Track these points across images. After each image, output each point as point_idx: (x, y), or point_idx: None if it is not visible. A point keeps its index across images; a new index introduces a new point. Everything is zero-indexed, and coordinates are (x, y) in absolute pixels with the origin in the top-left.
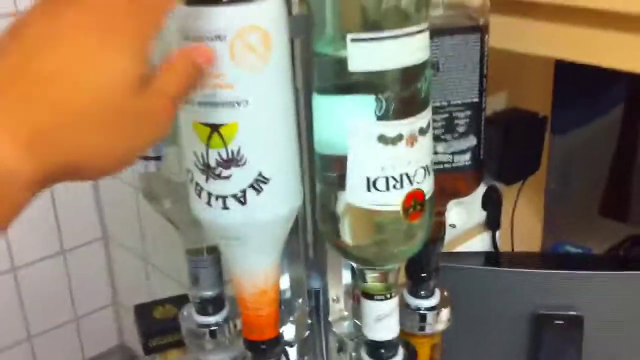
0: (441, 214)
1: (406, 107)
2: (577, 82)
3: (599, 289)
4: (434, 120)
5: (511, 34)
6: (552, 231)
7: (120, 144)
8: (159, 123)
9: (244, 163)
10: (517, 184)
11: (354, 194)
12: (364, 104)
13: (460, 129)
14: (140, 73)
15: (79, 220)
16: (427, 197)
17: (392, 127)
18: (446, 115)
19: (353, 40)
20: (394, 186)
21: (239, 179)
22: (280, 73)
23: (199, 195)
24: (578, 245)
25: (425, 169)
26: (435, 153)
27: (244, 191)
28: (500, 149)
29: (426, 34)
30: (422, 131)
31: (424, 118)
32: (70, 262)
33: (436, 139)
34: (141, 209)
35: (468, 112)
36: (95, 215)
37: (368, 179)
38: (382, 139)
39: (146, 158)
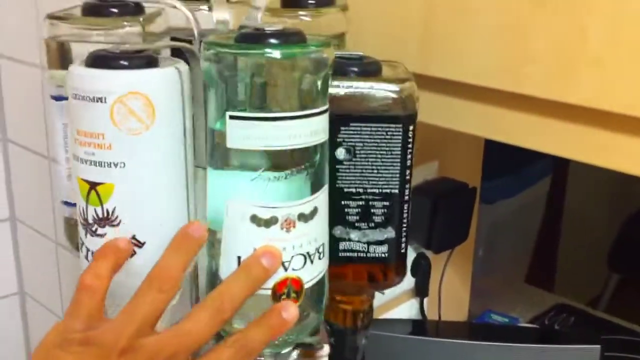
0: (364, 302)
1: (285, 191)
2: (506, 155)
3: None
4: (348, 207)
5: (440, 111)
6: (480, 299)
7: None
8: None
9: (118, 224)
10: (445, 252)
11: (226, 272)
12: (240, 182)
13: (377, 219)
14: None
15: None
16: (306, 285)
17: (266, 209)
18: (362, 203)
19: (232, 117)
20: None
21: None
22: (163, 139)
23: (80, 249)
24: (505, 314)
25: (307, 256)
26: (349, 240)
27: None
28: (429, 217)
29: (311, 120)
30: (304, 217)
31: (307, 204)
32: None
33: (350, 225)
34: (60, 263)
35: (386, 203)
36: (12, 270)
37: (239, 258)
38: (255, 219)
39: (68, 203)
